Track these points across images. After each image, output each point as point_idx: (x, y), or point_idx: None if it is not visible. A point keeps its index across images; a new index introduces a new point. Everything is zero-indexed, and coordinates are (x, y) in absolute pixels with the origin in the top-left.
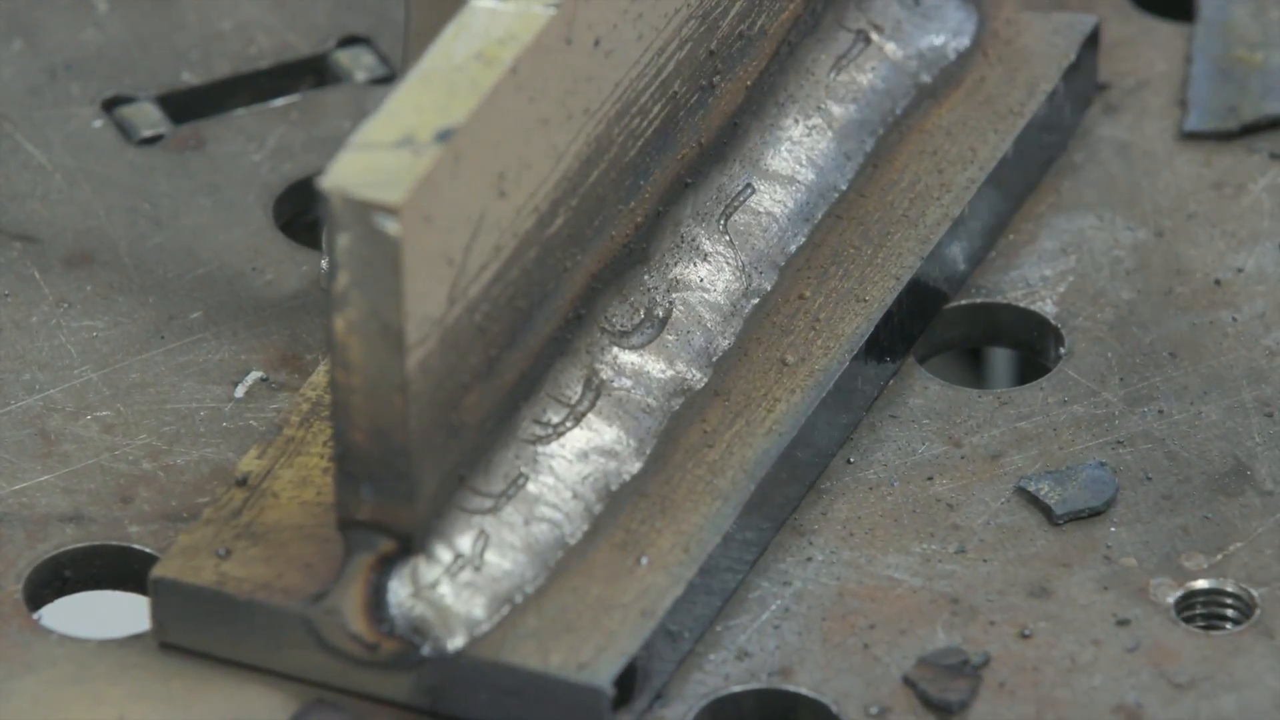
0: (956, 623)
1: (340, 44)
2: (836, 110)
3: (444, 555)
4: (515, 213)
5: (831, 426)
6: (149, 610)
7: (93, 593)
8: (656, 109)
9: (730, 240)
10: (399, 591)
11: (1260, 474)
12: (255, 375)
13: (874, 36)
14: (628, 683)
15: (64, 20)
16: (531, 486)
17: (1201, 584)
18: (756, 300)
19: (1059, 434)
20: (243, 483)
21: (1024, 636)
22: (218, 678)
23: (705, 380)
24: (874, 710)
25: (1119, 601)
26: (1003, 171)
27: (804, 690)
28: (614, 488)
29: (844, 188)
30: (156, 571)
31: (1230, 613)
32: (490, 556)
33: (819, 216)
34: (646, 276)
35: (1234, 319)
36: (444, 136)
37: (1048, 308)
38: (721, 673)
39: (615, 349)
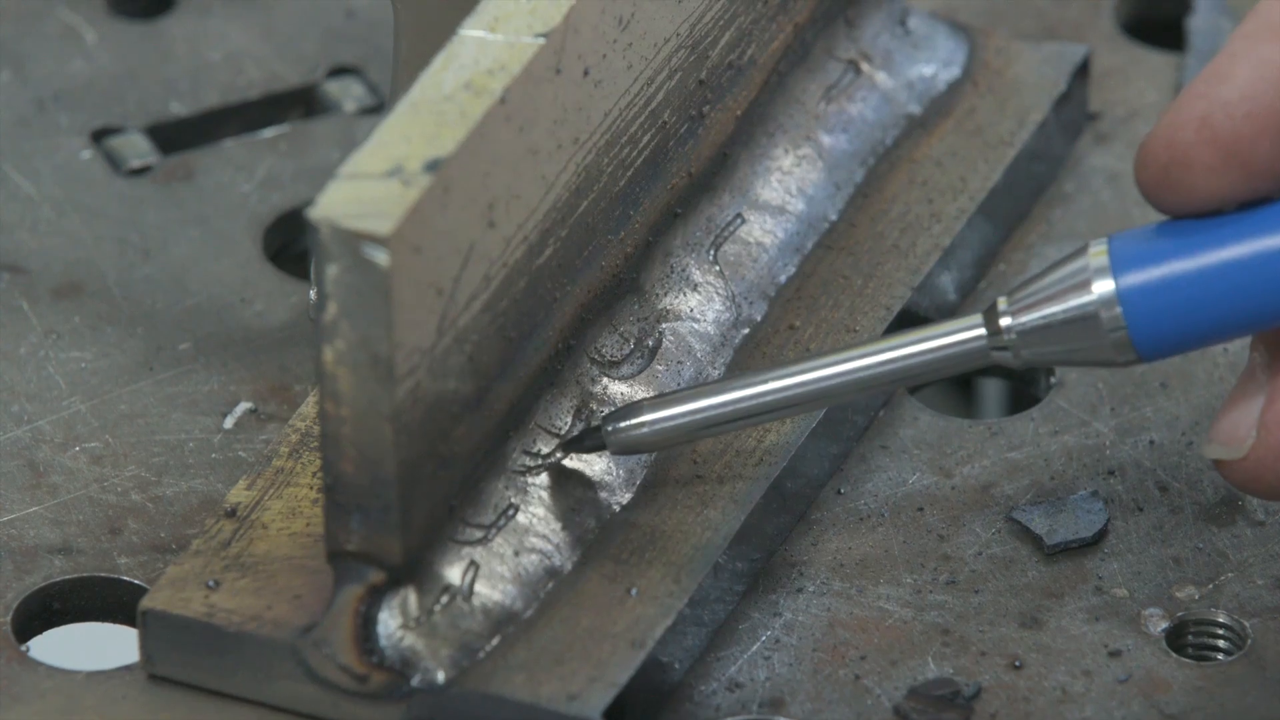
0: (948, 653)
1: (329, 74)
2: (826, 140)
3: (434, 586)
4: (505, 243)
5: (822, 457)
6: (138, 642)
7: (81, 624)
8: (646, 139)
9: (720, 270)
10: (388, 623)
11: (1251, 504)
12: (244, 406)
13: (864, 66)
14: (617, 714)
15: (52, 51)
16: (521, 517)
17: (1193, 614)
18: (746, 330)
19: (1050, 464)
20: (232, 514)
21: (1015, 667)
22: (207, 709)
23: None
24: None
25: (1110, 632)
26: (993, 201)
27: None
28: (604, 518)
29: (834, 218)
30: (145, 603)
31: (1222, 643)
32: (480, 587)
33: (809, 247)
34: (636, 307)
35: (1225, 349)
36: (433, 167)
37: None
38: (712, 704)
39: (605, 379)
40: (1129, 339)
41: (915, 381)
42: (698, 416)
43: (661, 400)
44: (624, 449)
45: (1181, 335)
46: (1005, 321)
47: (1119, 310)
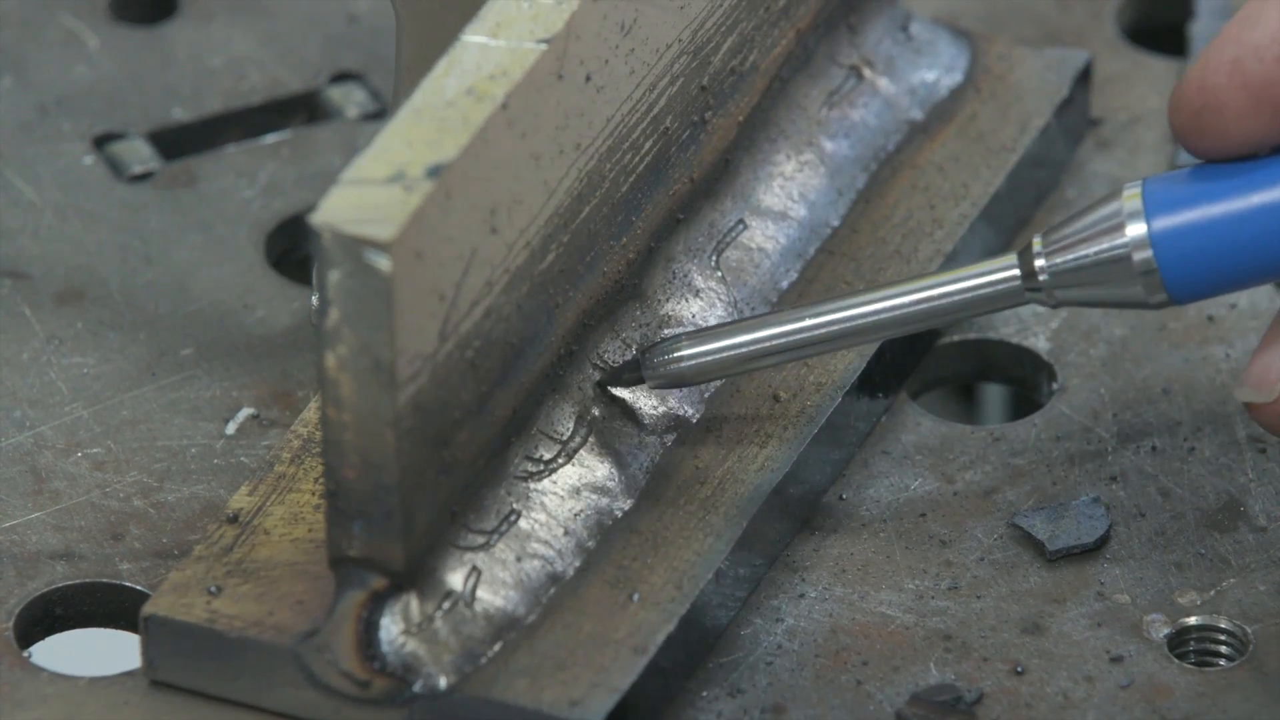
0: (949, 659)
1: (331, 80)
2: (829, 146)
3: (436, 592)
4: (507, 248)
5: (824, 463)
6: (140, 648)
7: (83, 630)
8: (648, 144)
9: (722, 276)
10: (391, 628)
11: (1254, 510)
12: (246, 412)
13: (866, 72)
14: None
15: (55, 57)
16: (523, 523)
17: (1195, 620)
18: None
19: (1052, 470)
20: (234, 520)
21: (1017, 673)
22: (209, 715)
23: (698, 416)
24: None
25: (1112, 638)
26: (995, 207)
27: None
28: (606, 524)
29: (836, 223)
30: (147, 609)
31: (1224, 649)
32: (482, 593)
33: (811, 252)
34: (638, 312)
35: (1227, 355)
36: (435, 172)
37: (1040, 344)
38: (714, 709)
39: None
40: (1161, 281)
41: (951, 319)
42: (736, 351)
43: (701, 334)
44: (663, 382)
45: (1212, 278)
46: (1039, 263)
47: (1151, 253)
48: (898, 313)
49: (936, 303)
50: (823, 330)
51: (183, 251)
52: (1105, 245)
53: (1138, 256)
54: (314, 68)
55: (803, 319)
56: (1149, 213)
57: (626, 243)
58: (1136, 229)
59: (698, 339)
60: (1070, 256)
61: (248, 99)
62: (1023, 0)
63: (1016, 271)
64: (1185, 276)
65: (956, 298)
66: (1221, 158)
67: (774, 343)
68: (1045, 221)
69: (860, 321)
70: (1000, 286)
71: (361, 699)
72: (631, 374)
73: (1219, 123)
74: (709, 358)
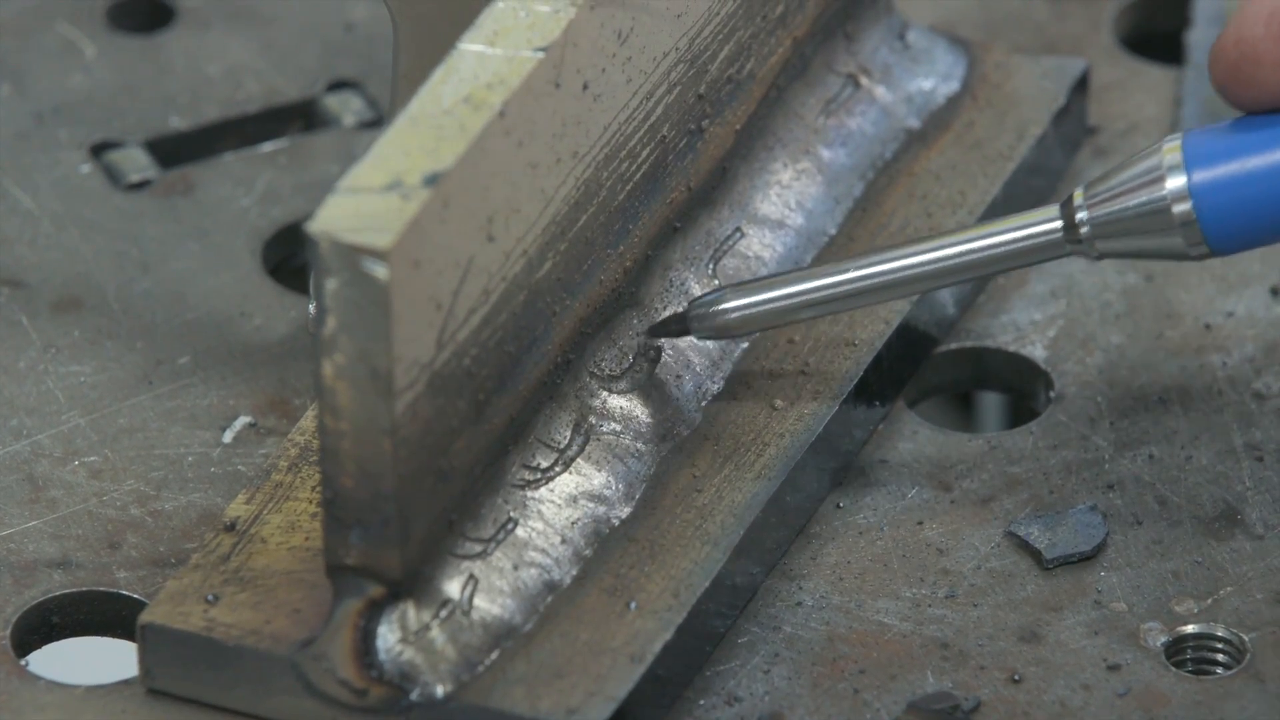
0: (947, 667)
1: (329, 88)
2: (825, 154)
3: (433, 600)
4: (504, 257)
5: (821, 471)
6: (137, 656)
7: (80, 639)
8: (645, 153)
9: (720, 284)
10: (388, 637)
11: (1251, 518)
12: (243, 420)
13: (863, 81)
14: None
15: (52, 65)
16: (521, 531)
17: (1192, 628)
18: (745, 344)
19: (1049, 478)
20: (231, 528)
21: (1014, 681)
22: None
23: (694, 425)
24: None
25: (1109, 646)
26: (992, 215)
27: None
28: (603, 532)
29: (833, 232)
30: (144, 617)
31: (1221, 657)
32: (479, 601)
33: (808, 260)
34: (636, 321)
35: (1224, 363)
36: (432, 180)
37: (1037, 352)
38: (711, 718)
39: (604, 393)
40: (1200, 233)
41: (994, 271)
42: (782, 302)
43: (747, 286)
44: (710, 333)
45: (1252, 229)
46: (1081, 215)
47: (1190, 205)
48: (940, 265)
49: (979, 255)
50: (866, 282)
51: (180, 260)
52: (1146, 198)
53: (1177, 209)
54: (311, 76)
55: (846, 271)
56: (1189, 165)
57: (624, 251)
58: (1176, 181)
59: (743, 291)
60: (1111, 208)
61: (245, 107)
62: (1020, 8)
63: (1059, 223)
64: (1225, 228)
65: (999, 249)
66: (1260, 109)
67: (818, 294)
68: None
69: (903, 273)
70: (1043, 238)
71: (359, 707)
72: (678, 325)
73: (1256, 74)
74: (754, 309)
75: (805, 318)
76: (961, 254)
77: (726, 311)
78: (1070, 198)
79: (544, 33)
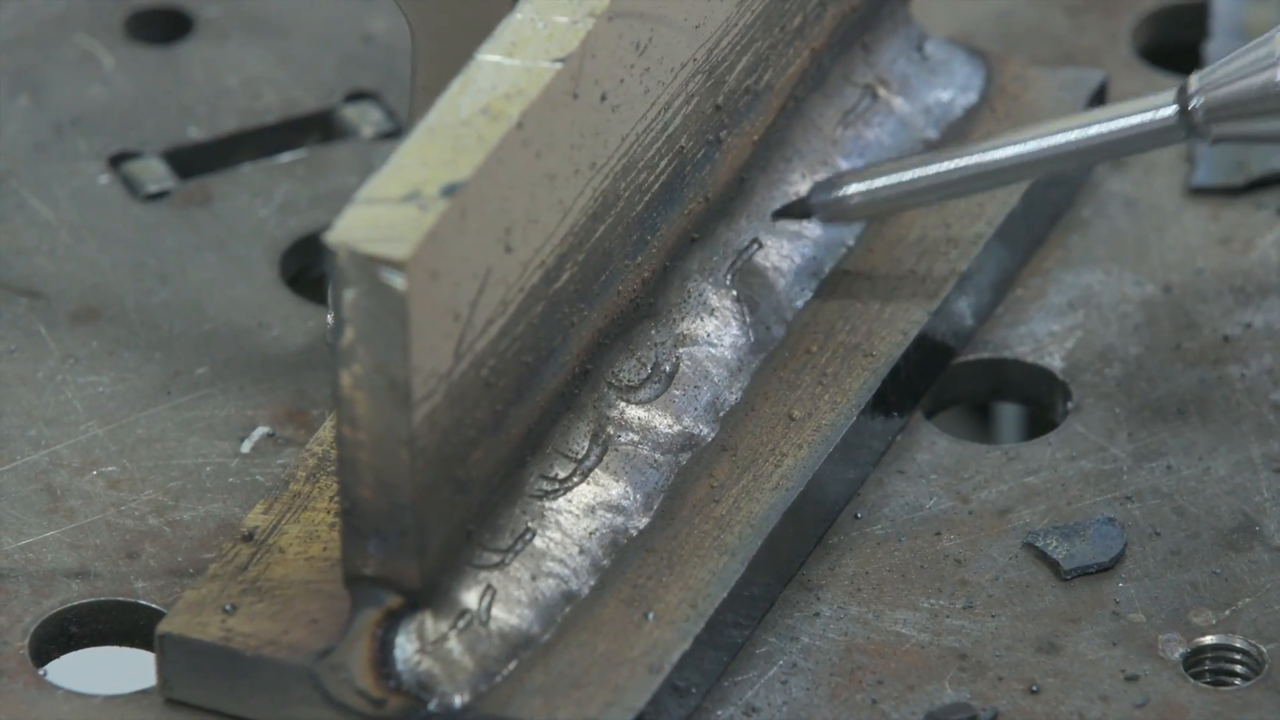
0: (964, 678)
1: (347, 99)
2: (844, 165)
3: (451, 610)
4: (522, 267)
5: (839, 482)
6: (155, 666)
7: (99, 648)
8: (663, 164)
9: (737, 295)
10: (406, 647)
11: (1269, 529)
12: (262, 430)
13: (881, 92)
14: None
15: (70, 76)
16: (538, 542)
17: (1210, 640)
18: (763, 355)
19: (1067, 489)
20: (249, 538)
21: (1032, 692)
22: None
23: (712, 435)
24: None
25: (1127, 657)
26: (1010, 227)
27: None
28: (621, 543)
29: (851, 243)
30: (162, 627)
31: (1239, 669)
32: (497, 612)
33: (826, 271)
34: (653, 331)
35: (1242, 375)
36: (450, 191)
37: (1055, 363)
38: None
39: (622, 404)
40: None
41: (1110, 156)
42: (903, 187)
43: (869, 170)
44: (832, 216)
45: None
46: (1196, 101)
47: None
48: (1055, 150)
49: (1094, 140)
50: (985, 166)
51: (198, 270)
52: (1260, 78)
53: None
54: (329, 87)
55: (964, 156)
56: None
57: (641, 262)
58: None
59: (865, 175)
60: (1227, 91)
61: (263, 118)
62: (1038, 20)
63: (1175, 108)
64: None
65: (1115, 135)
66: None
67: (937, 179)
68: (1061, 242)
69: (1020, 158)
70: (1160, 124)
71: (377, 717)
72: (801, 209)
73: None
74: (876, 193)
75: (926, 202)
76: (1079, 139)
77: (849, 195)
78: (1184, 84)
79: (562, 44)
